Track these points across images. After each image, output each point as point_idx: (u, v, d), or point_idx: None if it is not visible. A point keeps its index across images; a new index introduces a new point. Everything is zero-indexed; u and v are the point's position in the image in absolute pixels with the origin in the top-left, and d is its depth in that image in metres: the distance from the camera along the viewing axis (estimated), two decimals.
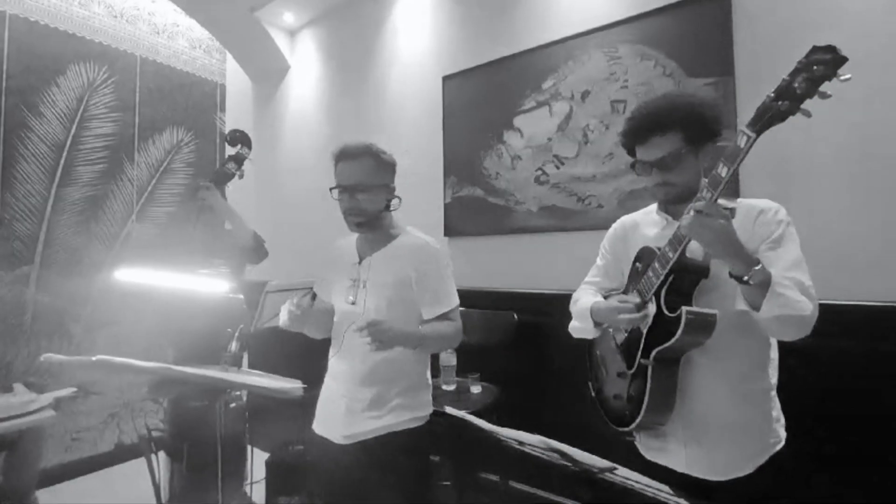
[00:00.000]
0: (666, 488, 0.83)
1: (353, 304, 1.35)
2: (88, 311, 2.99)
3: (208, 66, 3.67)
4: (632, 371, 1.08)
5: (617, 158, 2.02)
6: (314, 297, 1.32)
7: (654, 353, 1.01)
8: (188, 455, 1.73)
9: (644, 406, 1.03)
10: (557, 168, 2.19)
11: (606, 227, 2.02)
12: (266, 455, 2.28)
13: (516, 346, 2.14)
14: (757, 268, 0.89)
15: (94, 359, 1.02)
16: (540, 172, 2.24)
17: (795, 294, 0.90)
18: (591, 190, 2.09)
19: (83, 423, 2.92)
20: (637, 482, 0.85)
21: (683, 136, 1.03)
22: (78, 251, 2.97)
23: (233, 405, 1.87)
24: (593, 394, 1.26)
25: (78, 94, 2.99)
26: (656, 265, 1.02)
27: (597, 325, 1.19)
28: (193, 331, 1.77)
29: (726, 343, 1.00)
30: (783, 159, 1.63)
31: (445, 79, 2.60)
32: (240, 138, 1.91)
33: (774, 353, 1.07)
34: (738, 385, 1.02)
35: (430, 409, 1.37)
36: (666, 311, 1.00)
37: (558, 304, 2.18)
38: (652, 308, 1.04)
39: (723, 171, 0.88)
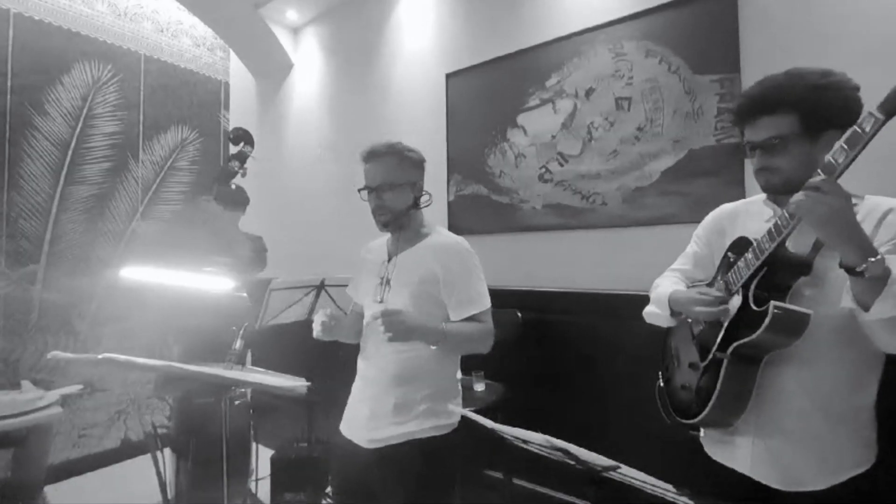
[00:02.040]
0: (670, 487, 0.82)
1: (381, 302, 1.32)
2: (94, 308, 3.01)
3: (212, 64, 3.68)
4: (704, 363, 1.01)
5: (622, 156, 2.01)
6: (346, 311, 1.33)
7: (731, 347, 0.93)
8: (193, 452, 1.74)
9: (712, 402, 0.95)
10: (562, 166, 2.18)
11: (611, 225, 2.04)
12: (271, 452, 2.29)
13: (520, 343, 2.14)
14: (874, 259, 0.77)
15: (99, 356, 1.03)
16: (544, 170, 2.23)
17: None
18: (596, 187, 2.08)
19: (90, 419, 2.94)
20: (641, 480, 0.85)
21: (798, 118, 0.92)
22: (84, 249, 2.98)
23: (238, 402, 1.88)
24: (661, 383, 1.19)
25: (83, 92, 3.00)
26: (749, 255, 0.94)
27: (674, 313, 1.11)
28: (198, 328, 1.78)
29: (819, 350, 0.91)
30: None
31: (449, 76, 2.59)
32: (242, 136, 1.92)
33: (878, 370, 0.95)
34: (824, 398, 0.92)
35: (457, 418, 1.30)
36: (752, 305, 0.92)
37: (562, 302, 2.19)
38: (737, 300, 0.96)
39: (840, 156, 0.78)
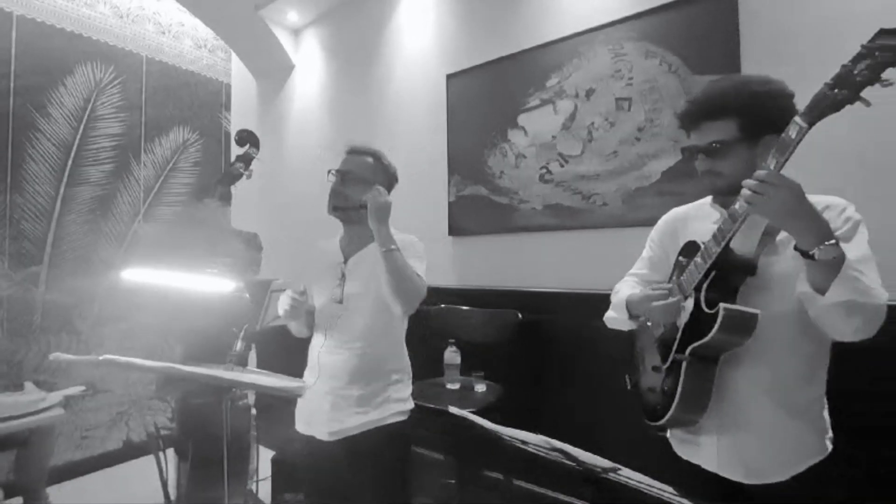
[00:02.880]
0: (669, 489, 0.82)
1: (340, 302, 1.37)
2: (96, 309, 3.02)
3: (213, 66, 3.69)
4: (666, 366, 1.05)
5: (621, 156, 2.01)
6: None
7: (689, 349, 0.98)
8: (194, 452, 1.75)
9: (675, 402, 1.00)
10: (562, 166, 2.18)
11: (610, 225, 2.04)
12: (272, 453, 2.29)
13: (520, 344, 2.14)
14: (829, 242, 0.80)
15: (100, 358, 1.03)
16: (544, 171, 2.23)
17: (870, 280, 0.82)
18: (596, 188, 2.08)
19: (92, 420, 2.95)
20: (640, 482, 0.85)
21: (739, 123, 0.96)
22: (86, 250, 2.99)
23: (240, 403, 1.88)
24: (629, 386, 1.24)
25: (85, 94, 3.01)
26: (699, 259, 0.98)
27: (632, 316, 1.16)
28: (199, 330, 1.79)
29: (773, 348, 0.95)
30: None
31: (449, 77, 2.60)
32: (248, 138, 1.92)
33: (826, 361, 1.00)
34: (781, 393, 0.97)
35: (411, 405, 1.42)
36: (704, 308, 0.96)
37: (562, 303, 2.19)
38: (690, 303, 1.00)
39: (771, 163, 0.83)
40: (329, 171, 1.42)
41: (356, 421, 1.31)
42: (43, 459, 2.28)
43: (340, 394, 1.33)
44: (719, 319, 0.90)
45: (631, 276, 1.27)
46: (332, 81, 3.25)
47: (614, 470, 0.89)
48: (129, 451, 3.04)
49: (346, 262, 1.42)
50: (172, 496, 1.82)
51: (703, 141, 1.01)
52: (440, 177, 2.58)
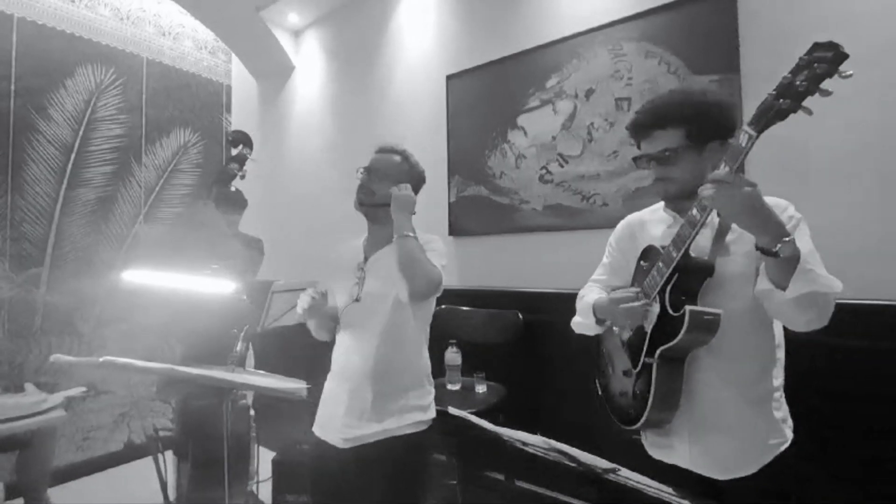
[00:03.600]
0: (669, 489, 0.82)
1: (358, 300, 1.34)
2: (98, 310, 3.02)
3: (214, 67, 3.69)
4: (637, 370, 1.08)
5: (621, 157, 2.01)
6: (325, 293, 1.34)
7: (658, 352, 1.01)
8: (194, 453, 1.75)
9: (649, 404, 1.03)
10: (562, 167, 2.18)
11: (611, 226, 2.02)
12: (273, 454, 2.29)
13: (521, 345, 2.14)
14: (787, 239, 0.85)
15: (100, 360, 1.03)
16: (544, 171, 2.23)
17: (823, 271, 0.88)
18: (596, 188, 2.08)
19: (94, 422, 2.96)
20: (640, 483, 0.85)
21: (685, 131, 1.02)
22: (87, 252, 3.00)
23: (240, 403, 1.89)
24: (600, 391, 1.26)
25: (85, 96, 3.02)
26: (660, 264, 1.02)
27: (599, 321, 1.18)
28: (200, 331, 1.79)
29: (732, 343, 0.99)
30: (793, 157, 1.61)
31: (449, 78, 2.60)
32: (241, 139, 1.93)
33: (781, 354, 1.06)
34: (743, 385, 1.02)
35: (433, 414, 1.35)
36: (670, 311, 1.00)
37: (563, 303, 2.17)
38: (656, 307, 1.04)
39: (724, 169, 0.87)
40: (358, 169, 1.41)
41: (371, 429, 1.26)
42: (44, 461, 2.29)
43: (356, 397, 1.29)
44: (686, 321, 0.94)
45: (593, 283, 1.30)
46: (333, 82, 3.26)
47: (614, 470, 0.88)
48: (131, 453, 3.05)
49: (366, 260, 1.40)
50: (172, 497, 1.82)
51: (653, 149, 1.06)
52: (441, 177, 2.58)
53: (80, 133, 2.99)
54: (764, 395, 1.03)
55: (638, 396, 1.07)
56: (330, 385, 1.39)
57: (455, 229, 2.56)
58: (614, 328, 1.18)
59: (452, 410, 1.27)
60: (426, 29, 2.75)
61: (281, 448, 2.30)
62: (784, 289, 0.88)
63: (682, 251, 0.97)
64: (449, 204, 2.57)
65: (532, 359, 2.15)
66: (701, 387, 1.03)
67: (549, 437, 0.97)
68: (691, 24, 1.84)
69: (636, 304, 1.04)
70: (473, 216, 2.49)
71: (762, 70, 1.68)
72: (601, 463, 0.90)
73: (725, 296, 0.99)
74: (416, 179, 1.44)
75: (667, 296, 1.01)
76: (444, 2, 2.67)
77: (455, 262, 2.56)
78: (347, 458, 1.27)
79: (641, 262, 1.13)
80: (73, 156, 2.96)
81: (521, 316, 2.16)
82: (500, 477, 2.07)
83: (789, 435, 1.05)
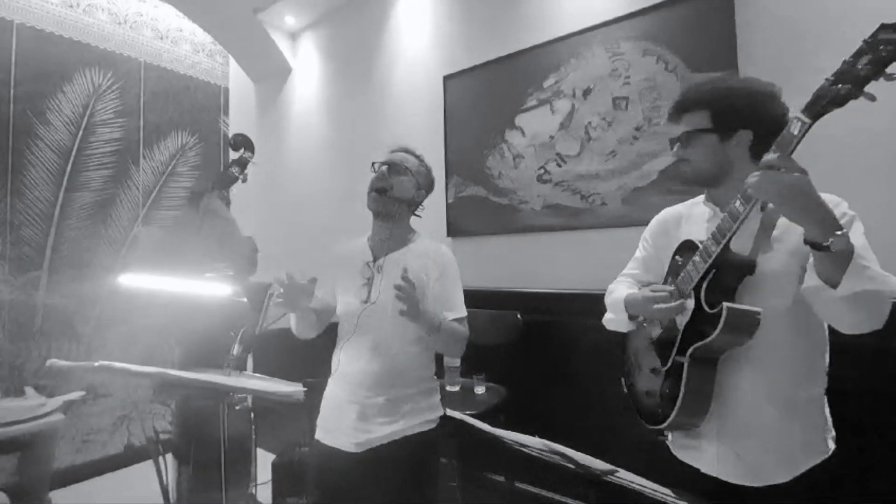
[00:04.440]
0: (668, 491, 0.82)
1: (366, 302, 1.31)
2: (97, 313, 3.02)
3: (211, 70, 3.70)
4: (666, 368, 1.03)
5: (620, 156, 2.00)
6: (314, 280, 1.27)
7: (690, 350, 0.96)
8: (194, 456, 1.74)
9: (677, 405, 0.98)
10: (560, 166, 2.17)
11: (611, 225, 2.03)
12: (272, 456, 2.29)
13: (521, 346, 2.13)
14: (839, 233, 0.77)
15: (96, 364, 1.03)
16: (543, 171, 2.23)
17: (879, 269, 0.81)
18: (595, 188, 2.07)
19: (93, 425, 2.95)
20: (639, 485, 0.84)
21: (710, 115, 1.00)
22: (86, 255, 3.00)
23: (238, 407, 1.88)
24: (625, 389, 1.22)
25: (84, 100, 3.02)
26: (697, 259, 0.97)
27: (631, 317, 1.14)
28: (197, 334, 1.79)
29: (771, 346, 0.94)
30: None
31: (447, 78, 2.59)
32: (242, 142, 1.92)
33: (826, 358, 1.00)
34: (780, 391, 0.95)
35: (441, 412, 1.36)
36: (705, 307, 0.95)
37: (563, 304, 2.18)
38: (690, 304, 0.99)
39: (773, 156, 0.81)
40: (373, 164, 1.39)
41: (384, 431, 1.25)
42: (45, 464, 2.29)
43: (365, 402, 1.27)
44: (723, 318, 0.89)
45: (624, 277, 1.26)
46: (330, 84, 3.26)
47: (612, 472, 0.88)
48: (131, 456, 3.05)
49: (375, 260, 1.36)
50: (172, 500, 1.82)
51: (677, 131, 1.05)
52: (439, 178, 2.54)
53: (79, 137, 2.99)
54: (802, 404, 0.97)
55: (666, 397, 1.03)
56: (336, 390, 1.34)
57: (454, 230, 2.55)
58: (644, 324, 1.14)
59: (451, 413, 1.27)
60: (423, 29, 2.74)
61: (280, 450, 2.29)
62: (835, 286, 0.80)
63: (722, 245, 0.92)
64: (447, 204, 2.56)
65: (532, 359, 2.14)
66: (733, 389, 0.98)
67: (550, 439, 0.96)
68: (689, 21, 1.84)
69: (672, 304, 0.98)
70: (472, 217, 2.48)
71: (760, 67, 1.67)
72: (599, 465, 0.90)
73: (765, 295, 0.93)
74: (429, 184, 1.45)
75: (702, 292, 0.96)
76: (441, 2, 2.67)
77: None
78: (360, 461, 1.25)
79: (677, 257, 1.08)
80: (71, 160, 2.96)
81: (520, 316, 2.15)
82: (500, 478, 2.07)
83: (831, 446, 0.98)
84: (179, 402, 1.91)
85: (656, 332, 1.10)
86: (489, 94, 2.42)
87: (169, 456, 1.87)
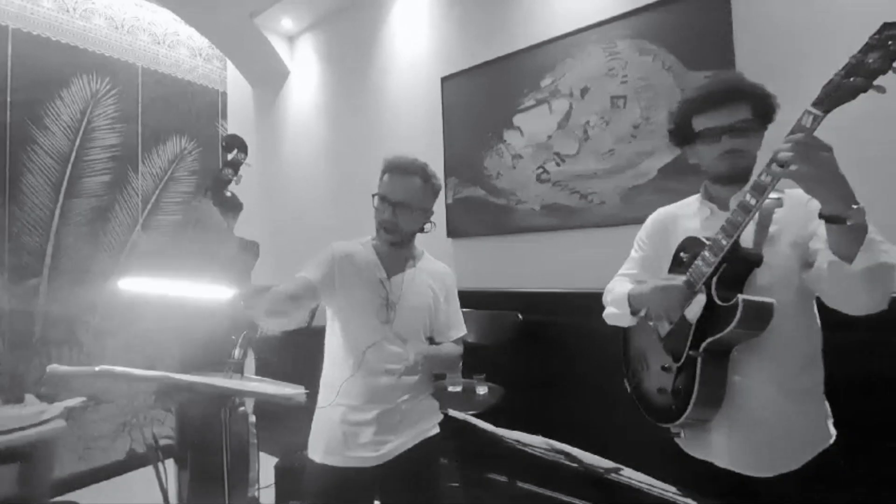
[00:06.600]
0: (672, 488, 0.82)
1: (387, 322, 1.30)
2: (97, 319, 3.02)
3: (209, 74, 3.69)
4: (679, 364, 1.04)
5: (618, 155, 2.00)
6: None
7: (704, 344, 0.97)
8: (194, 461, 1.74)
9: (692, 400, 0.99)
10: (558, 166, 2.17)
11: (609, 224, 2.04)
12: (275, 460, 2.28)
13: (521, 345, 2.13)
14: (857, 206, 0.79)
15: (97, 369, 1.03)
16: (541, 171, 2.23)
17: (890, 245, 0.83)
18: (593, 187, 2.07)
19: (95, 432, 2.94)
20: (643, 483, 0.84)
21: (752, 108, 1.01)
22: (85, 261, 2.99)
23: (240, 410, 1.88)
24: (629, 389, 1.23)
25: (81, 106, 3.01)
26: (707, 254, 0.98)
27: (634, 312, 1.15)
28: (197, 338, 1.78)
29: (776, 335, 0.95)
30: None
31: (444, 80, 2.60)
32: (235, 143, 1.91)
33: (820, 346, 1.03)
34: (789, 380, 0.98)
35: (441, 415, 1.42)
36: (718, 301, 0.96)
37: (563, 303, 2.18)
38: (701, 298, 1.00)
39: (799, 135, 0.82)
40: (374, 196, 1.31)
41: (401, 439, 1.29)
42: (46, 471, 2.28)
43: (385, 416, 1.27)
44: (739, 311, 0.90)
45: (623, 277, 1.27)
46: (328, 87, 3.26)
47: (616, 470, 0.88)
48: (133, 462, 3.04)
49: (388, 279, 1.33)
50: None
51: (724, 121, 1.00)
52: None
53: (77, 143, 2.99)
54: (807, 389, 1.01)
55: (680, 393, 1.03)
56: (344, 410, 1.28)
57: (453, 231, 2.55)
58: (650, 323, 1.14)
59: (452, 413, 1.27)
60: (420, 31, 2.75)
61: (283, 454, 2.29)
62: (850, 260, 0.82)
63: (734, 239, 0.93)
64: (446, 205, 2.56)
65: (533, 359, 2.14)
66: (743, 381, 1.00)
67: (551, 438, 0.96)
68: (685, 20, 1.84)
69: (688, 291, 1.00)
70: (471, 217, 2.48)
71: (756, 65, 1.67)
72: (603, 463, 0.89)
73: (770, 286, 0.96)
74: (435, 196, 1.39)
75: (713, 286, 0.98)
76: (437, 4, 2.68)
77: (453, 264, 2.55)
78: (378, 474, 1.27)
79: (682, 253, 1.08)
80: (69, 166, 2.96)
81: (520, 316, 2.15)
82: (502, 478, 2.06)
83: (833, 431, 1.02)
84: (179, 407, 1.90)
85: (665, 328, 1.10)
86: (487, 94, 2.42)
87: (170, 462, 1.86)
